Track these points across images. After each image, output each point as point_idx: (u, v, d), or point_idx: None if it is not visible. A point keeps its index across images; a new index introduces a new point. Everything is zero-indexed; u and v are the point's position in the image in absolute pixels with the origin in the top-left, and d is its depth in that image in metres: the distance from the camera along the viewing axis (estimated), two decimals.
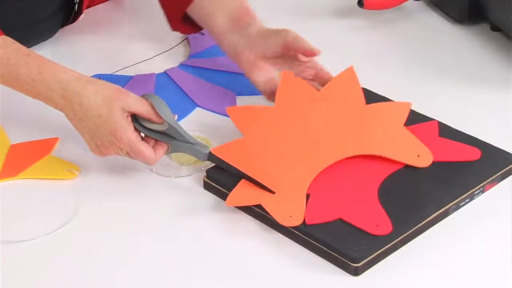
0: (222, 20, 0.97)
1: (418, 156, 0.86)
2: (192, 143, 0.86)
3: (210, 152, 0.86)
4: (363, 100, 0.91)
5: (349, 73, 0.92)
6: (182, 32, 1.06)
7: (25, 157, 0.90)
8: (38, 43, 1.08)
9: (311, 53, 0.92)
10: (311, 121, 0.90)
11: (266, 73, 0.95)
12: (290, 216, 0.81)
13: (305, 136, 0.89)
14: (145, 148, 0.85)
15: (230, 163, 0.85)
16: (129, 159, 0.87)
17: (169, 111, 0.85)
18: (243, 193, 0.83)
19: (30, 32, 1.06)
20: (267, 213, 0.82)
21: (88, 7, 1.13)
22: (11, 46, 0.87)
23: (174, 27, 1.05)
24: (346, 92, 0.91)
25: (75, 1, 1.08)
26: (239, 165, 0.85)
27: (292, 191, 0.83)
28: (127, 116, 0.85)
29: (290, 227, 0.81)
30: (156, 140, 0.86)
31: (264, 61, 0.95)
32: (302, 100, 0.91)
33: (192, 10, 1.01)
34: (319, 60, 0.95)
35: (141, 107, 0.85)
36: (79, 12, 1.09)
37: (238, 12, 0.97)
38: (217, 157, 0.86)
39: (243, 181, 0.84)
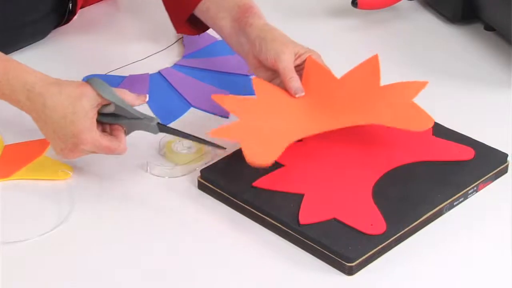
0: (226, 22, 0.97)
1: (418, 121, 0.86)
2: (140, 118, 0.85)
3: (158, 123, 0.86)
4: (378, 82, 0.91)
5: (373, 60, 0.93)
6: (188, 34, 1.06)
7: (19, 158, 0.90)
8: (30, 44, 1.08)
9: (292, 94, 0.91)
10: (317, 97, 0.90)
11: (270, 75, 0.94)
12: (260, 155, 0.81)
13: (306, 107, 0.89)
14: (110, 142, 0.85)
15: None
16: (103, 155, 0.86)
17: (113, 91, 0.84)
18: (230, 128, 0.84)
19: (22, 34, 1.05)
20: (262, 212, 0.82)
21: (81, 7, 1.12)
22: None
23: (180, 30, 1.05)
24: (365, 77, 0.91)
25: (67, 5, 1.08)
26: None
27: (275, 139, 0.83)
28: (96, 108, 0.84)
29: (283, 225, 0.81)
30: (110, 125, 0.86)
31: (266, 67, 0.94)
32: (320, 85, 0.91)
33: (199, 13, 1.01)
34: (322, 59, 0.95)
35: (103, 98, 0.84)
36: (73, 13, 1.09)
37: (238, 11, 0.96)
38: (167, 126, 0.86)
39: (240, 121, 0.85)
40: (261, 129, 0.85)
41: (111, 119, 0.86)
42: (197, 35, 1.09)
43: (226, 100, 0.90)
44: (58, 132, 0.83)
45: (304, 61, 0.93)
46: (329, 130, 0.87)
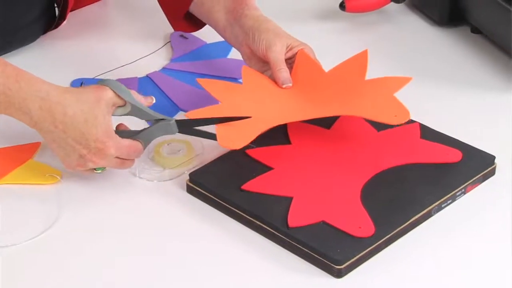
0: (221, 15, 0.97)
1: (395, 116, 0.86)
2: (157, 119, 0.85)
3: (175, 120, 0.85)
4: (363, 76, 0.91)
5: (362, 55, 0.93)
6: (185, 31, 1.06)
7: (7, 162, 0.90)
8: (19, 48, 1.07)
9: (279, 84, 0.91)
10: (303, 89, 0.91)
11: (262, 66, 0.94)
12: (231, 139, 0.81)
13: (289, 97, 0.89)
14: (130, 142, 0.84)
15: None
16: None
17: (129, 93, 0.84)
18: (208, 110, 0.85)
19: (12, 39, 1.05)
20: (251, 216, 0.82)
21: (71, 10, 1.12)
22: None
23: (177, 27, 1.05)
24: (352, 70, 0.92)
25: (56, 10, 1.07)
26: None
27: (250, 125, 0.83)
28: (112, 109, 0.83)
29: (271, 228, 0.81)
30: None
31: (258, 57, 0.94)
32: (308, 77, 0.92)
33: (194, 8, 1.01)
34: (314, 53, 0.95)
35: (119, 98, 0.84)
36: (62, 18, 1.09)
37: (232, 3, 0.96)
38: (186, 120, 0.85)
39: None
40: (238, 114, 0.85)
41: (128, 135, 0.85)
42: (186, 39, 1.09)
43: (211, 84, 0.90)
44: (80, 138, 0.82)
45: (296, 54, 0.93)
46: (306, 126, 0.88)
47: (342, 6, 1.12)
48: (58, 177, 0.88)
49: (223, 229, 0.83)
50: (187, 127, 0.86)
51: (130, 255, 0.81)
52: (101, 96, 0.83)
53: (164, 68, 1.06)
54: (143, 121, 0.88)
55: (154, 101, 0.87)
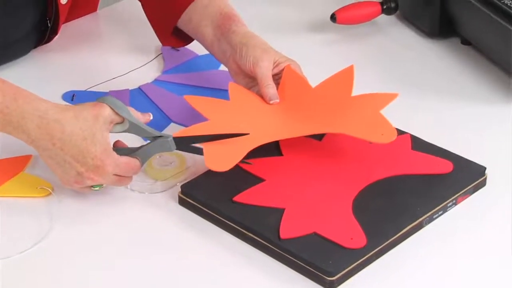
0: (208, 30, 0.97)
1: (382, 134, 0.86)
2: (155, 136, 0.85)
3: (173, 137, 0.85)
4: (350, 92, 0.92)
5: (348, 70, 0.94)
6: (174, 46, 1.06)
7: None
8: (9, 62, 1.07)
9: (266, 100, 0.92)
10: (290, 105, 0.91)
11: (248, 81, 0.95)
12: (219, 161, 0.81)
13: (276, 114, 0.90)
14: (128, 159, 0.84)
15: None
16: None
17: (127, 110, 0.85)
18: (196, 128, 0.85)
19: (3, 52, 1.05)
20: (243, 227, 0.82)
21: (62, 23, 1.12)
22: None
23: (165, 42, 1.05)
24: (338, 86, 0.92)
25: (48, 24, 1.07)
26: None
27: (236, 145, 0.84)
28: (110, 126, 0.84)
29: (263, 239, 0.81)
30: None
31: (245, 73, 0.95)
32: (295, 93, 0.92)
33: (182, 24, 1.01)
34: (301, 69, 0.96)
35: (117, 115, 0.84)
36: (54, 32, 1.09)
37: (220, 18, 0.97)
38: (183, 137, 0.85)
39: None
40: (226, 131, 0.85)
41: (125, 153, 0.85)
42: (178, 51, 1.09)
43: (197, 101, 0.90)
44: (78, 156, 0.82)
45: (282, 69, 0.93)
46: (297, 137, 0.88)
47: (333, 18, 1.12)
48: (49, 189, 0.88)
49: (215, 241, 0.83)
50: (185, 144, 0.86)
51: (122, 267, 0.81)
52: (99, 113, 0.83)
53: (156, 80, 1.07)
54: (141, 138, 0.88)
55: (151, 118, 0.87)
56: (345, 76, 0.93)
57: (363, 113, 0.89)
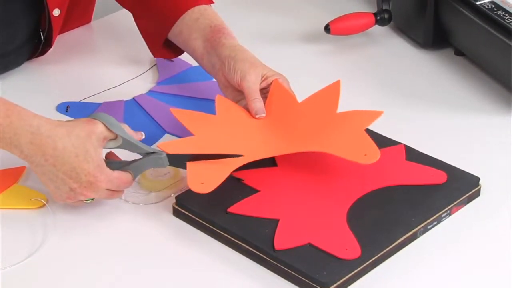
0: (198, 42, 0.98)
1: (365, 154, 0.86)
2: (148, 152, 0.85)
3: (167, 154, 0.85)
4: (335, 109, 0.91)
5: (335, 86, 0.94)
6: (165, 57, 1.06)
7: None
8: (2, 73, 1.07)
9: (253, 114, 0.92)
10: (276, 120, 0.91)
11: (237, 95, 0.95)
12: (202, 183, 0.81)
13: (262, 129, 0.90)
14: (121, 174, 0.84)
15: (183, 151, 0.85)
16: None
17: (120, 127, 0.85)
18: (179, 142, 0.85)
19: None
20: (237, 238, 0.82)
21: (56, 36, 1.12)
22: None
23: (156, 54, 1.05)
24: (324, 102, 0.92)
25: (41, 37, 1.07)
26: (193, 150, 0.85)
27: (219, 166, 0.84)
28: (103, 143, 0.84)
29: (258, 250, 0.81)
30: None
31: (233, 87, 0.95)
32: (282, 108, 0.92)
33: (172, 36, 1.01)
34: (290, 84, 0.96)
35: (110, 132, 0.84)
36: (48, 45, 1.09)
37: (210, 31, 0.97)
38: (177, 155, 0.85)
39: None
40: (209, 149, 0.85)
41: (117, 166, 0.85)
42: (172, 61, 1.09)
43: (183, 115, 0.90)
44: (70, 172, 0.82)
45: (270, 84, 0.93)
46: (283, 155, 0.88)
47: (327, 28, 1.13)
48: (43, 201, 0.88)
49: (210, 252, 0.83)
50: (178, 160, 0.86)
51: (116, 279, 0.81)
52: (92, 130, 0.83)
53: (150, 91, 1.07)
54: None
55: (143, 137, 0.87)
56: (332, 92, 0.93)
57: (348, 131, 0.88)
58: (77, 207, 0.87)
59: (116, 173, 0.84)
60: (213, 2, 1.02)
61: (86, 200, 0.85)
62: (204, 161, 0.83)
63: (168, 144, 0.87)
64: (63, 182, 0.83)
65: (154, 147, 0.88)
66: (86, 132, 0.83)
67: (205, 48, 0.97)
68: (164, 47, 1.04)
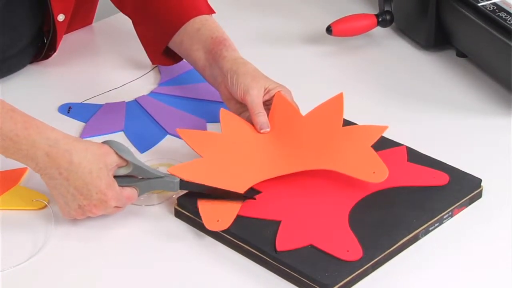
0: (200, 54, 0.98)
1: (374, 172, 0.86)
2: (161, 177, 0.85)
3: (181, 180, 0.86)
4: (340, 123, 0.92)
5: (338, 99, 0.94)
6: (164, 65, 1.06)
7: None
8: (5, 76, 1.07)
9: (257, 129, 0.92)
10: (281, 135, 0.91)
11: (240, 107, 0.95)
12: (218, 221, 0.82)
13: (268, 147, 0.90)
14: (129, 192, 0.85)
15: (194, 180, 0.85)
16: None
17: (131, 153, 0.85)
18: (190, 166, 0.85)
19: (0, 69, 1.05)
20: (239, 240, 0.82)
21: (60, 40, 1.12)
22: None
23: (155, 61, 1.06)
24: (328, 116, 0.92)
25: (44, 40, 1.08)
26: (204, 181, 0.85)
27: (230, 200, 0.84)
28: (115, 168, 0.84)
29: (260, 252, 0.81)
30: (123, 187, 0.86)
31: (236, 99, 0.95)
32: (286, 122, 0.92)
33: (173, 46, 1.02)
34: (291, 85, 0.96)
35: (121, 159, 0.84)
36: (52, 49, 1.09)
37: (211, 43, 0.97)
38: (190, 182, 0.86)
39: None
40: (219, 175, 0.86)
41: (127, 181, 0.85)
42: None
43: (190, 135, 0.90)
44: (82, 188, 0.82)
45: (273, 96, 0.93)
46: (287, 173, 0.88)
47: (328, 30, 1.13)
48: (45, 202, 0.88)
49: (211, 253, 0.83)
50: (189, 187, 0.86)
51: (117, 280, 0.81)
52: (107, 152, 0.83)
53: (152, 92, 1.07)
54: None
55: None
56: (335, 105, 0.93)
57: (354, 148, 0.88)
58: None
59: (126, 192, 0.85)
60: (214, 12, 1.02)
61: None
62: (214, 202, 0.84)
63: (179, 168, 0.86)
64: (73, 198, 0.83)
65: (164, 170, 0.88)
66: (102, 152, 0.83)
67: (206, 59, 0.97)
68: (163, 55, 1.04)
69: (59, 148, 0.82)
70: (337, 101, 0.93)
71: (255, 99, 0.92)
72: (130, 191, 0.85)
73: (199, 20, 0.99)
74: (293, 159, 0.88)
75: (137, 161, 0.85)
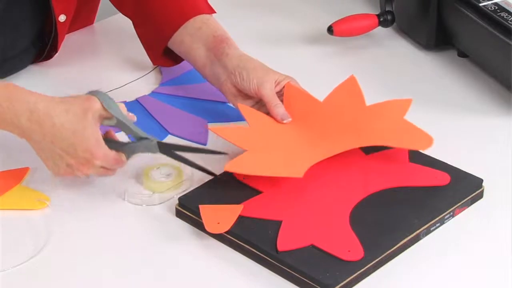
0: (201, 52, 0.98)
1: (420, 140, 0.87)
2: (141, 137, 0.86)
3: (157, 141, 0.87)
4: (363, 102, 0.92)
5: (351, 81, 0.94)
6: (164, 65, 1.07)
7: None
8: (6, 77, 1.07)
9: (278, 120, 0.92)
10: (306, 123, 0.91)
11: (250, 102, 0.95)
12: (218, 223, 0.82)
13: (301, 135, 0.90)
14: (116, 154, 0.86)
15: (253, 173, 0.86)
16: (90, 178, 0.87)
17: (116, 106, 0.86)
18: (242, 161, 0.85)
19: (1, 69, 1.05)
20: (240, 240, 0.82)
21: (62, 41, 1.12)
22: None
23: (156, 62, 1.06)
24: (348, 97, 0.93)
25: (46, 40, 1.08)
26: (262, 172, 0.86)
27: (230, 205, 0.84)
28: (99, 120, 0.85)
29: (261, 252, 0.81)
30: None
31: (245, 95, 0.95)
32: (304, 109, 0.92)
33: (173, 45, 1.02)
34: (299, 84, 0.96)
35: (106, 111, 0.85)
36: (54, 50, 1.09)
37: (213, 41, 0.97)
38: (166, 143, 0.87)
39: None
40: (272, 162, 0.87)
41: (113, 146, 0.86)
42: None
43: (225, 132, 0.90)
44: (68, 148, 0.84)
45: (283, 87, 0.94)
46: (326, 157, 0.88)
47: (330, 30, 1.13)
48: (46, 202, 0.88)
49: (212, 253, 0.83)
50: (168, 149, 0.87)
51: (118, 280, 0.81)
52: (89, 107, 0.84)
53: (153, 92, 1.07)
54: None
55: (135, 119, 0.88)
56: (350, 87, 0.94)
57: (390, 122, 0.89)
58: (81, 207, 0.87)
59: (113, 153, 0.86)
60: (215, 12, 1.02)
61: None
62: (215, 205, 0.84)
63: (234, 164, 0.86)
64: (61, 158, 0.84)
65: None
66: (83, 110, 0.84)
67: (208, 57, 0.97)
68: (164, 55, 1.04)
69: (39, 111, 0.83)
70: (351, 83, 0.94)
71: (270, 92, 0.92)
72: (117, 154, 0.86)
73: (200, 19, 0.99)
74: (333, 141, 0.88)
75: (121, 116, 0.86)
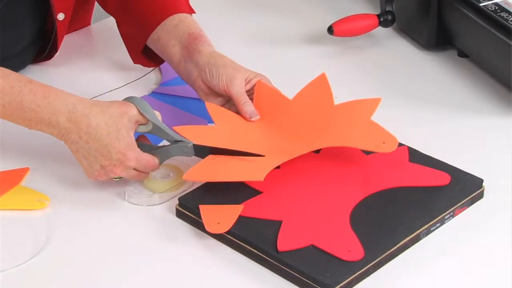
0: (176, 49, 0.98)
1: (384, 142, 0.86)
2: (176, 140, 0.87)
3: (194, 144, 0.87)
4: (332, 101, 0.92)
5: (321, 79, 0.94)
6: (144, 65, 1.06)
7: None
8: None
9: (247, 118, 0.92)
10: (274, 121, 0.91)
11: (221, 100, 0.95)
12: (218, 223, 0.82)
13: (266, 133, 0.90)
14: (150, 157, 0.87)
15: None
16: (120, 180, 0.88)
17: (152, 112, 0.87)
18: (200, 169, 0.86)
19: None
20: (240, 240, 0.82)
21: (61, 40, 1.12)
22: (11, 76, 0.87)
23: (136, 61, 1.06)
24: (317, 96, 0.93)
25: (47, 40, 1.08)
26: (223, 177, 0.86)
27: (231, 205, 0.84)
28: (135, 126, 0.86)
29: (261, 252, 0.81)
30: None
31: (216, 93, 0.95)
32: (274, 107, 0.92)
33: (151, 43, 1.02)
34: (292, 85, 0.96)
35: (142, 116, 0.87)
36: (54, 49, 1.09)
37: (187, 38, 0.97)
38: (202, 146, 0.87)
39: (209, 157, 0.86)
40: (234, 165, 0.86)
41: (146, 150, 0.87)
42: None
43: (189, 131, 0.90)
44: (102, 150, 0.85)
45: (254, 85, 0.94)
46: (297, 157, 0.88)
47: (330, 30, 1.13)
48: (46, 202, 0.88)
49: (212, 253, 0.83)
50: (204, 152, 0.87)
51: (119, 280, 0.81)
52: (125, 111, 0.86)
53: (153, 92, 1.07)
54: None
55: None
56: (320, 85, 0.93)
57: (355, 122, 0.89)
58: (81, 205, 0.88)
59: (146, 155, 0.87)
60: (195, 12, 1.02)
61: (115, 178, 0.88)
62: (215, 206, 0.84)
63: (191, 173, 0.86)
64: (95, 159, 0.85)
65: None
66: (119, 112, 0.85)
67: (182, 55, 0.97)
68: (144, 55, 1.04)
69: (77, 112, 0.85)
70: (321, 81, 0.93)
71: (239, 89, 0.92)
72: (150, 157, 0.87)
73: (178, 17, 1.00)
74: (298, 142, 0.88)
75: (157, 121, 0.87)
